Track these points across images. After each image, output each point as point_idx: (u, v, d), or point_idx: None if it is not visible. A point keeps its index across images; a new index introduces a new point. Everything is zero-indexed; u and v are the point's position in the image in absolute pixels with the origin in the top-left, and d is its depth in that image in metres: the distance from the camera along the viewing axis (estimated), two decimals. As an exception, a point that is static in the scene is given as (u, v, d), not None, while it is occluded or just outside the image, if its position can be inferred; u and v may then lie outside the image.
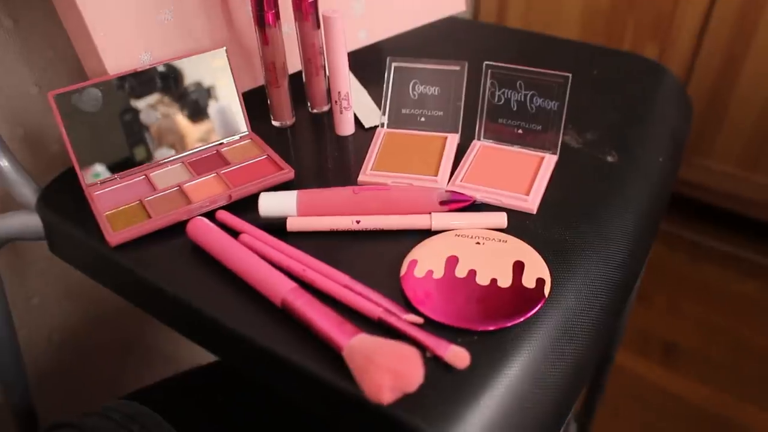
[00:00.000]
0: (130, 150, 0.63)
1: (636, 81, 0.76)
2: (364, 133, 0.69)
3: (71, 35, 0.64)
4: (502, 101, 0.63)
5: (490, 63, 0.62)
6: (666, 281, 1.50)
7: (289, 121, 0.71)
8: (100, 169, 0.62)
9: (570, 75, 0.59)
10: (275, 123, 0.70)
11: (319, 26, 0.67)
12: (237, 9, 0.69)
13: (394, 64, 0.66)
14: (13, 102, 0.72)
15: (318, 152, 0.68)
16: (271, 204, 0.58)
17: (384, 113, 0.66)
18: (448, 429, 0.41)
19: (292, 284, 0.50)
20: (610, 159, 0.63)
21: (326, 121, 0.71)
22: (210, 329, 0.51)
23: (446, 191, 0.56)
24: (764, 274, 1.50)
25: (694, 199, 1.55)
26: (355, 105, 0.72)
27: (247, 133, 0.68)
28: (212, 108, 0.66)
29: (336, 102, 0.66)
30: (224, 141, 0.67)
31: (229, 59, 0.66)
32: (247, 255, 0.53)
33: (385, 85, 0.66)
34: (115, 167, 0.62)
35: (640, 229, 0.60)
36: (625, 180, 0.62)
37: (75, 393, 0.95)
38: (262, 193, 0.58)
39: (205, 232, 0.55)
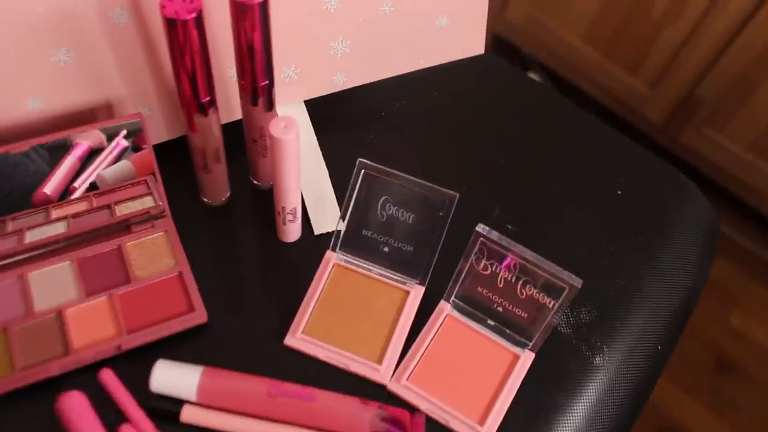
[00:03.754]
0: (13, 226, 0.50)
1: (664, 217, 0.60)
2: (312, 240, 0.55)
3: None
4: (488, 272, 0.49)
5: (482, 232, 0.47)
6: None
7: (223, 198, 0.55)
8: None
9: (580, 284, 0.45)
10: (204, 199, 0.55)
11: (270, 109, 0.49)
12: (163, 52, 0.50)
13: (363, 171, 0.50)
14: None
15: (248, 262, 0.54)
16: (166, 380, 0.46)
17: (341, 225, 0.52)
18: None
19: None
20: (597, 360, 0.51)
21: (270, 201, 0.55)
22: None
23: (381, 419, 0.45)
24: (737, 257, 1.42)
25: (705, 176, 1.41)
26: (310, 196, 0.56)
27: (163, 213, 0.53)
28: (119, 174, 0.51)
29: (279, 213, 0.51)
30: (132, 223, 0.52)
31: (145, 131, 0.49)
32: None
33: (348, 193, 0.51)
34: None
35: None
36: (606, 394, 0.50)
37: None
38: (157, 365, 0.46)
39: (76, 421, 0.44)
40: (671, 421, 1.23)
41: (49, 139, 0.47)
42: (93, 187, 0.51)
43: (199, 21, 0.41)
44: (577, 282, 0.45)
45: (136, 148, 0.51)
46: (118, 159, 0.51)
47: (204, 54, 0.43)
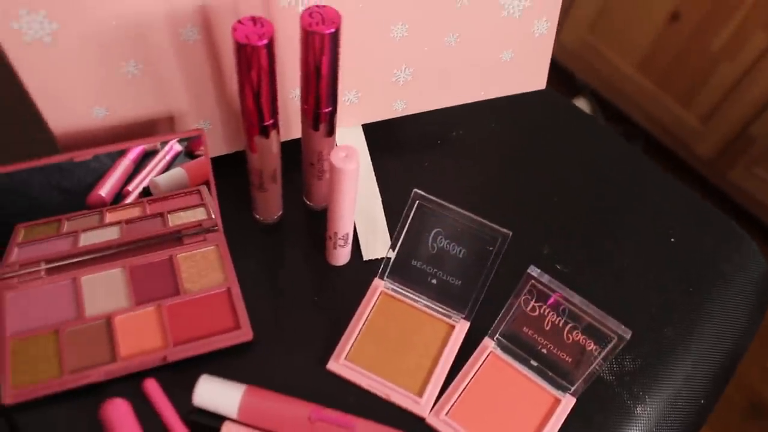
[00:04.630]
0: (69, 226, 0.51)
1: (715, 266, 0.59)
2: (361, 266, 0.55)
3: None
4: (536, 313, 0.48)
5: (533, 274, 0.47)
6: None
7: (275, 216, 0.56)
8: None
9: (628, 336, 0.45)
10: (257, 216, 0.56)
11: (331, 134, 0.50)
12: (228, 71, 0.51)
13: (417, 202, 0.50)
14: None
15: (295, 283, 0.54)
16: (209, 395, 0.46)
17: (393, 251, 0.52)
18: None
19: None
20: (638, 410, 0.50)
21: (322, 222, 0.55)
22: None
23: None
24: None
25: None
26: (361, 221, 0.56)
27: (216, 228, 0.54)
28: (172, 180, 0.52)
29: (330, 238, 0.51)
30: (185, 235, 0.53)
31: (205, 147, 0.50)
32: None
33: (401, 223, 0.51)
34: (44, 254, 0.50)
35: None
36: (648, 443, 0.50)
37: None
38: (201, 380, 0.46)
39: (120, 428, 0.45)
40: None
41: (112, 149, 0.48)
42: (146, 191, 0.52)
43: (270, 47, 0.41)
44: (626, 333, 0.45)
45: (189, 153, 0.51)
46: (171, 163, 0.52)
47: (271, 78, 0.43)
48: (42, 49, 0.44)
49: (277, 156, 0.50)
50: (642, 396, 0.51)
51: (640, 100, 1.41)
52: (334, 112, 0.48)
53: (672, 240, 0.59)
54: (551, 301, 0.47)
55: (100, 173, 0.50)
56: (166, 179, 0.53)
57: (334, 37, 0.42)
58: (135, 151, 0.50)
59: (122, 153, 0.49)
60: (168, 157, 0.52)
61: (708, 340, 0.55)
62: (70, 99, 0.48)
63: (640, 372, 0.52)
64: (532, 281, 0.47)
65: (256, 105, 0.44)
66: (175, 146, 0.51)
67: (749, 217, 1.38)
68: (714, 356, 0.55)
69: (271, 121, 0.46)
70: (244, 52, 0.41)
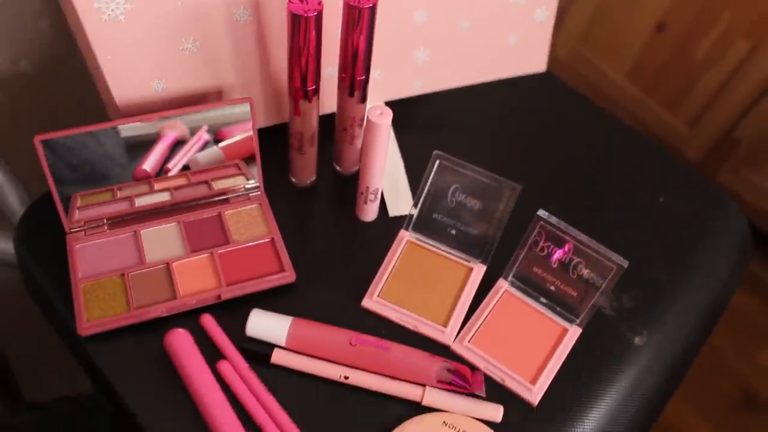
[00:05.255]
0: (122, 194, 0.57)
1: (701, 223, 0.66)
2: (387, 221, 0.62)
3: (85, 56, 0.55)
4: (545, 253, 0.55)
5: (543, 216, 0.54)
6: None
7: (309, 181, 0.63)
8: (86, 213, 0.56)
9: (626, 265, 0.51)
10: (293, 179, 0.62)
11: (364, 101, 0.57)
12: (273, 49, 0.58)
13: (438, 161, 0.57)
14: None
15: (330, 237, 0.61)
16: (260, 327, 0.53)
17: (415, 208, 0.59)
18: None
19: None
20: (637, 341, 0.57)
21: (350, 186, 0.63)
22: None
23: (447, 369, 0.51)
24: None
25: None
26: (387, 182, 0.63)
27: (258, 192, 0.60)
28: (210, 157, 0.59)
29: (362, 193, 0.58)
30: (230, 197, 0.60)
31: (252, 113, 0.57)
32: (217, 401, 0.49)
33: (423, 181, 0.58)
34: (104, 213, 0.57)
35: (643, 417, 0.56)
36: (646, 372, 0.56)
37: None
38: (253, 312, 0.53)
39: (182, 352, 0.51)
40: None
41: (173, 113, 0.55)
42: (185, 170, 0.58)
43: (318, 19, 0.49)
44: (624, 262, 0.52)
45: (217, 141, 0.58)
46: (201, 150, 0.58)
47: (317, 48, 0.51)
48: (116, 27, 0.51)
49: (316, 120, 0.57)
50: (640, 330, 0.58)
51: (630, 106, 1.49)
52: (367, 81, 0.55)
53: (661, 200, 0.66)
54: (568, 246, 0.54)
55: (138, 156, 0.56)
56: (204, 155, 0.59)
57: (372, 11, 0.50)
58: (168, 138, 0.56)
59: (155, 141, 0.55)
60: (197, 145, 0.58)
61: (695, 286, 0.62)
62: (135, 73, 0.55)
63: (636, 309, 0.59)
64: (541, 222, 0.54)
65: (304, 71, 0.52)
66: (204, 135, 0.57)
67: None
68: (701, 301, 0.62)
69: (313, 87, 0.53)
70: (297, 23, 0.49)
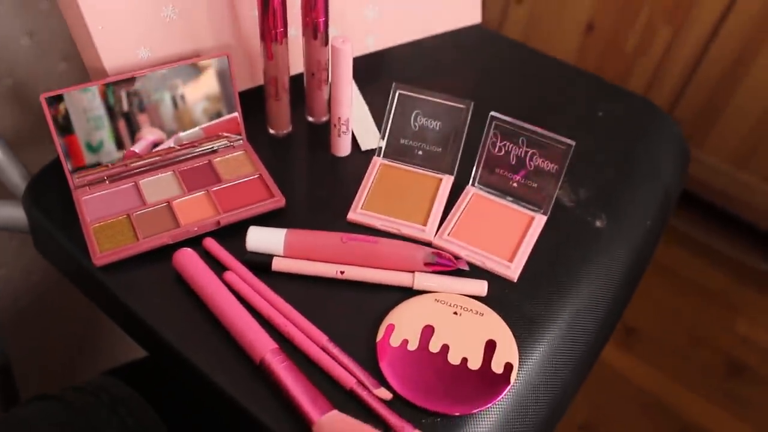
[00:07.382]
0: (121, 150, 0.62)
1: (638, 129, 0.75)
2: (360, 155, 0.68)
3: (71, 29, 0.61)
4: (502, 153, 0.62)
5: (495, 115, 0.61)
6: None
7: (286, 131, 0.69)
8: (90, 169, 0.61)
9: (573, 144, 0.59)
10: (271, 131, 0.69)
11: (327, 44, 0.65)
12: (244, 13, 0.66)
13: (398, 92, 0.64)
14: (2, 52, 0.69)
15: (311, 172, 0.67)
16: (259, 240, 0.58)
17: (383, 138, 0.65)
18: None
19: (273, 345, 0.51)
20: (598, 224, 0.63)
21: (323, 133, 0.70)
22: (186, 370, 0.53)
23: (432, 253, 0.57)
24: (733, 268, 1.53)
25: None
26: (355, 123, 0.70)
27: (241, 142, 0.67)
28: (208, 112, 0.64)
29: (335, 126, 0.65)
30: (217, 148, 0.66)
31: (231, 67, 0.64)
32: (230, 302, 0.54)
33: (386, 112, 0.65)
34: (105, 168, 0.62)
35: (616, 297, 0.62)
36: (610, 249, 0.62)
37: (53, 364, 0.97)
38: (251, 228, 0.58)
39: (191, 267, 0.56)
40: (691, 424, 1.31)
41: (158, 68, 0.61)
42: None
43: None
44: (571, 142, 0.59)
45: None
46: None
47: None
48: (105, -3, 0.59)
49: (287, 64, 0.64)
50: (598, 214, 0.64)
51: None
52: (326, 23, 0.63)
53: (600, 114, 0.75)
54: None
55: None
56: (188, 134, 0.65)
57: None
58: (149, 139, 0.64)
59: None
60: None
61: (642, 181, 0.69)
62: (122, 41, 0.62)
63: (593, 199, 0.65)
64: (495, 122, 0.61)
65: (273, 16, 0.59)
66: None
67: (689, 195, 1.54)
68: (649, 191, 0.69)
69: (282, 29, 0.61)
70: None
